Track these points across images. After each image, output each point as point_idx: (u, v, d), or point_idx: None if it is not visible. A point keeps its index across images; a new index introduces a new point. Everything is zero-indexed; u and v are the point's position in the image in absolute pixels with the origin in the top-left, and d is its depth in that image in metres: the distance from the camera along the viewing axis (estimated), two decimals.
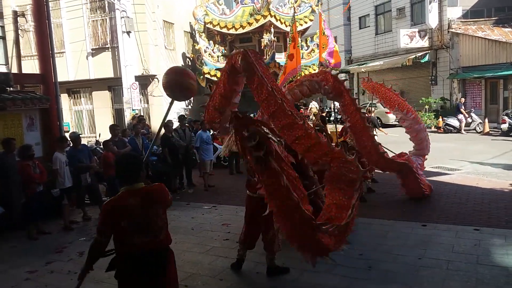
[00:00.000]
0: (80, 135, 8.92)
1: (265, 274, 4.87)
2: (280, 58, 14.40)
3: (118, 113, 16.53)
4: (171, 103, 4.73)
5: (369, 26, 26.76)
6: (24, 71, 14.22)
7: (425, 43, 21.91)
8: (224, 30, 14.28)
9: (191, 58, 17.29)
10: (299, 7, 14.51)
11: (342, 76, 23.06)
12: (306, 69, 13.68)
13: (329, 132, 7.82)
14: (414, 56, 21.81)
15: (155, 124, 15.20)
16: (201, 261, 5.41)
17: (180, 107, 16.88)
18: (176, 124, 11.01)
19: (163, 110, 15.68)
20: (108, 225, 3.03)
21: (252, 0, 15.32)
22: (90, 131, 17.31)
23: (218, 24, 14.20)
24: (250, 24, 13.80)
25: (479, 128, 17.75)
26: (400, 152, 8.13)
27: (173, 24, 17.31)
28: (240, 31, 14.09)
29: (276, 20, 13.68)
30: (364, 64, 26.26)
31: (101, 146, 10.03)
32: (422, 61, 21.75)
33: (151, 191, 3.14)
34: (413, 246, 5.47)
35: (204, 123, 10.69)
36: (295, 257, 5.23)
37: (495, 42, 18.46)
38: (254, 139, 3.40)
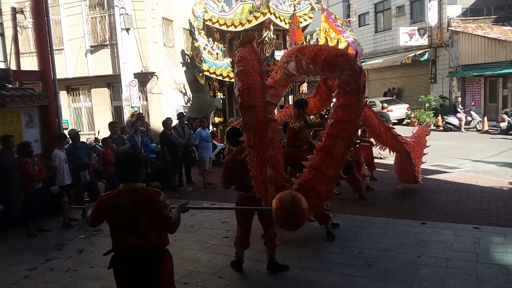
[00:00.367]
0: (79, 132, 8.91)
1: (265, 270, 4.87)
2: (280, 55, 14.36)
3: (117, 111, 16.49)
4: None
5: (368, 24, 26.73)
6: (22, 68, 14.20)
7: (424, 41, 21.90)
8: (224, 28, 14.20)
9: (190, 56, 17.25)
10: (299, 4, 14.46)
11: None
12: None
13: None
14: (413, 54, 21.81)
15: (154, 121, 15.17)
16: (201, 259, 5.41)
17: (179, 105, 16.86)
18: (175, 122, 10.99)
19: (162, 108, 15.68)
20: (97, 217, 3.12)
21: None
22: (89, 128, 17.28)
23: (218, 21, 14.13)
24: (249, 21, 13.73)
25: (479, 127, 17.77)
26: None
27: (172, 21, 17.27)
28: (240, 28, 14.01)
29: (276, 17, 13.61)
30: (363, 62, 26.21)
31: (100, 144, 10.01)
32: (422, 59, 21.73)
33: (141, 193, 3.05)
34: (412, 244, 5.48)
35: (203, 121, 10.71)
36: (294, 255, 5.26)
37: (494, 40, 18.45)
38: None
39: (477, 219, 6.33)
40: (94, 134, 15.29)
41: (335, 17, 12.72)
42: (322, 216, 5.79)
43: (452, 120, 18.19)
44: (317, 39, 13.38)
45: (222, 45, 14.84)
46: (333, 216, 6.27)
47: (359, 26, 27.58)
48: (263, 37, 13.78)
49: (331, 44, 8.56)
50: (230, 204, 7.86)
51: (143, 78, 15.64)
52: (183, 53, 17.87)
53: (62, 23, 16.09)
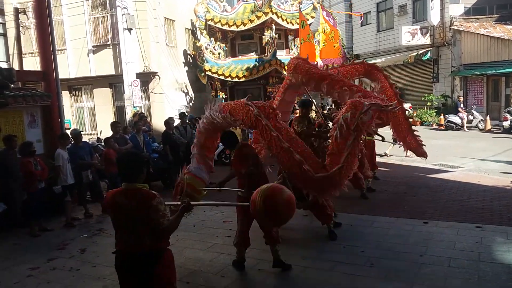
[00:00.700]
0: (81, 132, 8.92)
1: (268, 270, 4.87)
2: (282, 55, 14.37)
3: (119, 110, 16.51)
4: None
5: (370, 23, 26.69)
6: (25, 68, 14.23)
7: (426, 40, 21.85)
8: (226, 27, 14.23)
9: (192, 55, 17.27)
10: (300, 4, 14.46)
11: None
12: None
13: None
14: (415, 53, 21.76)
15: (156, 121, 15.19)
16: (203, 258, 5.42)
17: (181, 105, 16.88)
18: (177, 122, 11.00)
19: (164, 107, 15.69)
20: (106, 210, 3.18)
21: None
22: (91, 128, 17.31)
23: (219, 21, 14.15)
24: (251, 21, 13.76)
25: (481, 126, 17.72)
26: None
27: (174, 21, 17.28)
28: (242, 28, 14.03)
29: (278, 17, 13.63)
30: (365, 61, 26.21)
31: (103, 143, 10.03)
32: (424, 58, 21.69)
33: (139, 194, 3.03)
34: (414, 243, 5.47)
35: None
36: (297, 255, 5.26)
37: (497, 39, 18.39)
38: None
39: (480, 218, 6.31)
40: (96, 134, 15.30)
41: (332, 16, 12.78)
42: (324, 215, 5.79)
43: (454, 118, 18.14)
44: (318, 41, 13.41)
45: (224, 45, 14.88)
46: (335, 216, 6.27)
47: (361, 25, 27.56)
48: (265, 37, 13.81)
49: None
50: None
51: (145, 78, 15.66)
52: (185, 53, 17.88)
53: (64, 23, 16.12)
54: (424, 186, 8.54)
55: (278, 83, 11.14)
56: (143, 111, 15.04)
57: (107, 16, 15.68)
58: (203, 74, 15.30)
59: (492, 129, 17.04)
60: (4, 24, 16.83)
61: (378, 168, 9.29)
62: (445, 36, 21.18)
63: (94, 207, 8.09)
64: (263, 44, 14.23)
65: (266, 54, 14.04)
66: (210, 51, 14.61)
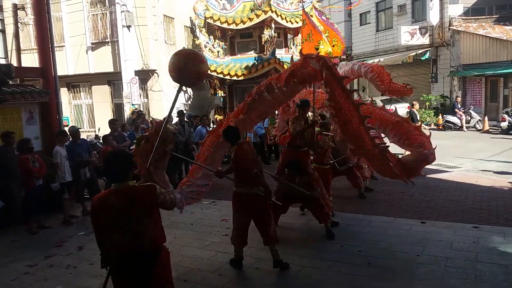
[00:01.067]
0: (80, 130, 8.90)
1: (266, 269, 4.88)
2: (281, 54, 14.35)
3: (118, 108, 16.49)
4: (179, 89, 4.55)
5: (369, 23, 26.69)
6: (23, 64, 14.16)
7: (425, 40, 21.86)
8: (225, 25, 14.18)
9: None
10: (303, 2, 14.44)
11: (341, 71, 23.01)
12: None
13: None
14: (414, 53, 21.77)
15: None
16: (200, 256, 5.42)
17: (180, 103, 16.85)
18: (175, 120, 10.98)
19: (162, 105, 15.66)
20: (94, 219, 3.07)
21: None
22: (89, 125, 17.28)
23: (219, 19, 14.10)
24: (250, 19, 13.72)
25: (479, 126, 17.76)
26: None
27: (174, 18, 17.25)
28: (241, 26, 13.98)
29: (277, 15, 13.60)
30: (364, 61, 26.21)
31: (101, 141, 10.02)
32: (423, 58, 21.70)
33: (134, 192, 3.02)
34: (412, 243, 5.48)
35: (204, 118, 10.71)
36: (294, 254, 5.26)
37: (495, 40, 18.42)
38: None
39: (477, 219, 6.34)
40: (95, 131, 15.29)
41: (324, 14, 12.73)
42: (322, 214, 5.80)
43: (452, 119, 18.18)
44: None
45: (223, 43, 14.82)
46: (333, 215, 6.28)
47: (361, 24, 27.59)
48: (264, 35, 13.79)
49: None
50: (230, 202, 7.91)
51: (144, 76, 15.64)
52: None
53: (63, 20, 16.08)
54: (421, 186, 8.55)
55: None
56: (141, 109, 15.02)
57: (106, 13, 15.65)
58: None
59: (490, 130, 17.08)
60: (2, 20, 16.79)
61: None
62: (444, 36, 21.20)
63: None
64: (262, 43, 14.20)
65: (265, 53, 14.01)
66: (209, 49, 14.55)
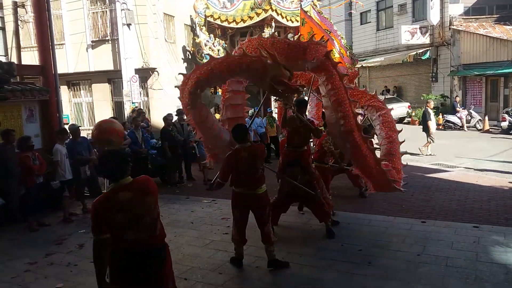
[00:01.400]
0: (80, 128, 8.90)
1: (266, 267, 4.87)
2: None
3: (118, 106, 16.47)
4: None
5: (370, 22, 26.68)
6: (23, 62, 14.13)
7: (426, 39, 21.85)
8: (225, 24, 14.20)
9: (192, 52, 17.23)
10: (301, 1, 14.43)
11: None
12: None
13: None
14: (415, 52, 21.77)
15: (155, 117, 15.15)
16: (201, 255, 5.42)
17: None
18: (175, 118, 10.97)
19: (162, 104, 15.64)
20: (99, 222, 2.92)
21: None
22: (89, 123, 17.25)
23: (219, 17, 14.11)
24: (251, 18, 13.73)
25: (479, 126, 17.76)
26: None
27: (174, 17, 17.22)
28: (241, 25, 14.00)
29: (277, 14, 13.61)
30: (364, 60, 26.22)
31: None
32: (423, 57, 21.70)
33: (140, 184, 3.05)
34: (412, 242, 5.48)
35: None
36: (294, 252, 5.27)
37: (496, 39, 18.41)
38: None
39: (477, 218, 6.34)
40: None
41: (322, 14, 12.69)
42: (323, 213, 5.80)
43: (452, 118, 18.19)
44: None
45: (223, 42, 14.82)
46: (333, 214, 6.28)
47: (361, 24, 27.58)
48: (264, 34, 13.77)
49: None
50: (230, 201, 7.90)
51: (144, 74, 15.61)
52: (184, 49, 17.83)
53: (63, 18, 16.04)
54: (422, 185, 8.56)
55: None
56: (141, 107, 15.00)
57: (106, 11, 15.61)
58: None
59: (490, 130, 17.08)
60: (2, 18, 16.75)
61: None
62: (445, 35, 21.19)
63: (91, 203, 8.07)
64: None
65: None
66: (209, 48, 14.56)
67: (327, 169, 6.83)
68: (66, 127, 8.87)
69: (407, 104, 21.92)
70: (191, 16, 17.83)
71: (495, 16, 20.64)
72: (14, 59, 15.17)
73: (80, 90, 17.33)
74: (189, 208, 7.71)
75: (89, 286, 4.56)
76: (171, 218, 7.05)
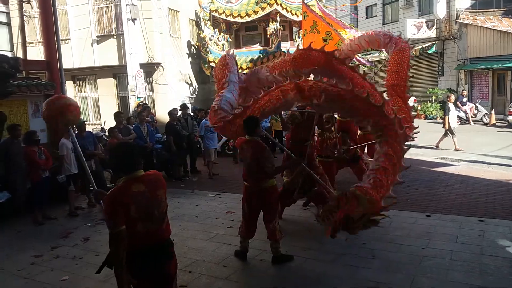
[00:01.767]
0: (85, 122, 8.94)
1: (270, 261, 4.89)
2: (286, 47, 14.30)
3: (123, 101, 16.53)
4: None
5: (376, 16, 26.51)
6: (29, 57, 14.20)
7: (432, 33, 21.67)
8: (230, 18, 14.16)
9: (196, 46, 17.23)
10: None
11: None
12: None
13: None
14: (421, 46, 21.62)
15: (160, 112, 15.19)
16: (205, 248, 5.45)
17: (184, 96, 16.86)
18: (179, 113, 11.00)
19: (167, 98, 15.68)
20: (117, 216, 2.81)
21: None
22: (95, 118, 17.34)
23: (224, 12, 14.08)
24: (256, 12, 13.69)
25: (485, 119, 17.63)
26: None
27: (179, 11, 17.21)
28: (246, 19, 13.96)
29: (282, 8, 13.55)
30: (370, 54, 26.05)
31: (106, 133, 10.06)
32: (429, 51, 21.55)
33: (152, 177, 3.07)
34: (417, 236, 5.47)
35: (208, 111, 10.71)
36: (298, 246, 5.28)
37: (503, 33, 18.23)
38: None
39: (483, 212, 6.31)
40: (100, 124, 15.35)
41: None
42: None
43: (458, 112, 18.05)
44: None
45: (228, 36, 14.81)
46: None
47: (367, 17, 27.42)
48: (269, 28, 13.74)
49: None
50: (235, 195, 7.94)
51: (149, 69, 15.64)
52: (189, 44, 17.83)
53: (68, 13, 16.09)
54: (427, 179, 8.53)
55: None
56: (146, 102, 15.05)
57: (111, 6, 15.64)
58: (207, 65, 15.27)
59: (497, 123, 16.95)
60: (8, 14, 16.81)
61: None
62: (451, 29, 21.01)
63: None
64: (268, 36, 14.16)
65: (270, 46, 13.98)
66: (214, 42, 14.55)
67: (330, 164, 6.83)
68: None
69: (413, 98, 21.77)
70: (196, 10, 17.81)
71: (502, 9, 20.40)
72: (19, 55, 15.24)
73: (85, 85, 17.40)
74: (194, 202, 7.74)
75: (94, 279, 4.60)
76: (176, 212, 7.08)
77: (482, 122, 17.76)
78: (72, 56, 15.94)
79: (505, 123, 16.75)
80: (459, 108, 18.08)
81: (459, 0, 20.79)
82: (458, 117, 17.81)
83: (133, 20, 14.63)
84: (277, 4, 13.30)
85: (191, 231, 6.12)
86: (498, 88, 19.53)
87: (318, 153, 6.60)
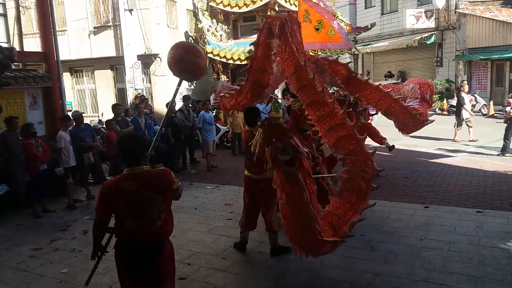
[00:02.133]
0: (83, 114, 8.90)
1: (268, 253, 4.91)
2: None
3: (121, 93, 16.47)
4: (179, 84, 4.43)
5: (374, 6, 26.33)
6: (25, 49, 14.10)
7: (431, 23, 21.54)
8: (228, 9, 14.02)
9: (194, 37, 17.10)
10: None
11: (346, 57, 22.79)
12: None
13: None
14: (419, 37, 21.49)
15: (158, 104, 15.13)
16: (204, 240, 5.46)
17: (183, 87, 16.77)
18: (180, 104, 10.97)
19: (165, 90, 15.61)
20: (103, 206, 2.91)
21: None
22: (92, 110, 17.29)
23: (222, 2, 13.94)
24: (253, 2, 13.55)
25: (484, 110, 17.62)
26: None
27: (176, 2, 17.07)
28: (244, 9, 13.83)
29: None
30: (369, 44, 25.94)
31: (104, 126, 10.02)
32: (428, 42, 21.44)
33: (151, 176, 2.95)
34: (415, 227, 5.49)
35: (207, 103, 10.68)
36: None
37: (503, 23, 18.13)
38: (288, 154, 3.49)
39: (481, 203, 6.33)
40: (98, 116, 15.30)
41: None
42: (326, 200, 5.80)
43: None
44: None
45: (226, 27, 14.68)
46: None
47: (365, 7, 27.23)
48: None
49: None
50: (234, 187, 7.94)
51: (147, 60, 15.56)
52: (186, 35, 17.67)
53: (65, 4, 15.96)
54: (425, 170, 8.55)
55: None
56: (144, 94, 14.98)
57: None
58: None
59: (495, 114, 16.94)
60: (4, 5, 16.64)
61: (378, 152, 9.22)
62: (450, 19, 20.88)
63: (96, 189, 8.12)
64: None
65: None
66: (212, 33, 14.42)
67: (331, 155, 6.82)
68: (69, 114, 8.87)
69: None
70: (193, 1, 17.60)
71: None
72: (16, 46, 15.11)
73: (82, 77, 17.32)
74: (193, 194, 7.75)
75: None
76: (174, 204, 6.99)
77: (480, 113, 17.74)
78: (69, 47, 15.84)
79: (503, 114, 16.72)
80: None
81: None
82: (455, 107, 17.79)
83: (130, 10, 14.52)
84: None
85: (190, 223, 6.13)
86: (496, 79, 19.48)
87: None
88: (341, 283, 4.25)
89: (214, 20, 14.70)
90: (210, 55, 13.89)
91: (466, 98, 11.72)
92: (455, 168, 8.67)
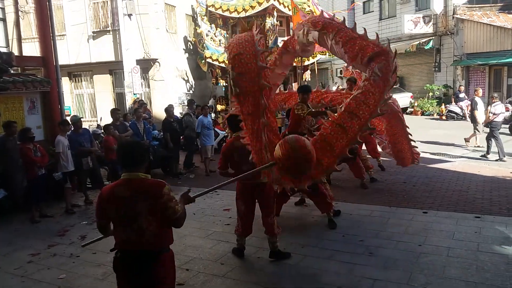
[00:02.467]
0: (81, 119, 8.90)
1: (267, 258, 4.89)
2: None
3: (119, 97, 16.47)
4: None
5: (373, 11, 26.45)
6: (24, 53, 14.10)
7: (429, 29, 21.65)
8: (227, 14, 14.06)
9: (193, 42, 17.15)
10: None
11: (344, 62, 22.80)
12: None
13: None
14: (418, 42, 21.59)
15: (156, 108, 15.14)
16: (203, 246, 5.44)
17: (182, 92, 16.81)
18: (176, 109, 10.98)
19: (164, 95, 15.62)
20: (101, 211, 2.93)
21: None
22: (91, 115, 17.28)
23: (220, 7, 13.99)
24: (252, 7, 13.60)
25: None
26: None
27: (175, 7, 17.11)
28: (243, 14, 13.88)
29: (279, 3, 13.48)
30: None
31: (103, 130, 10.02)
32: (426, 47, 21.52)
33: (144, 185, 2.86)
34: (413, 233, 5.49)
35: (205, 108, 10.69)
36: (296, 243, 5.28)
37: (500, 28, 18.22)
38: None
39: (479, 209, 6.33)
40: (97, 121, 15.28)
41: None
42: (324, 204, 5.81)
43: (454, 108, 18.10)
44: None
45: (225, 32, 14.72)
46: (335, 205, 6.28)
47: (364, 13, 27.35)
48: (266, 23, 13.68)
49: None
50: (232, 192, 7.91)
51: (145, 65, 15.57)
52: (185, 40, 17.75)
53: (64, 8, 15.99)
54: (423, 176, 8.55)
55: None
56: (143, 98, 14.99)
57: (107, 1, 15.53)
58: (203, 61, 15.20)
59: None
60: (3, 9, 16.67)
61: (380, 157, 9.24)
62: (448, 25, 20.99)
63: (94, 194, 8.10)
64: (265, 32, 14.10)
65: (267, 42, 13.92)
66: (211, 38, 14.47)
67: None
68: (68, 118, 8.87)
69: (410, 94, 21.84)
70: (192, 6, 17.72)
71: (499, 4, 20.37)
72: (15, 50, 15.11)
73: (81, 81, 17.32)
74: None
75: (91, 277, 4.60)
76: None
77: None
78: (68, 52, 15.84)
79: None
80: (459, 102, 18.09)
81: None
82: (454, 113, 17.87)
83: (129, 15, 14.54)
84: (274, 0, 13.22)
85: (188, 229, 6.09)
86: (494, 84, 19.54)
87: None
88: None
89: (213, 25, 14.75)
90: (209, 60, 13.92)
91: (480, 102, 11.34)
92: (453, 173, 8.68)
